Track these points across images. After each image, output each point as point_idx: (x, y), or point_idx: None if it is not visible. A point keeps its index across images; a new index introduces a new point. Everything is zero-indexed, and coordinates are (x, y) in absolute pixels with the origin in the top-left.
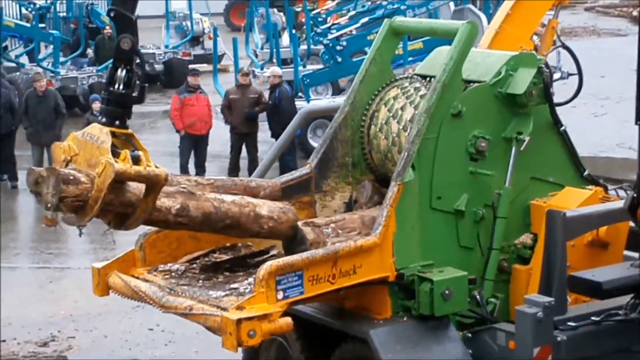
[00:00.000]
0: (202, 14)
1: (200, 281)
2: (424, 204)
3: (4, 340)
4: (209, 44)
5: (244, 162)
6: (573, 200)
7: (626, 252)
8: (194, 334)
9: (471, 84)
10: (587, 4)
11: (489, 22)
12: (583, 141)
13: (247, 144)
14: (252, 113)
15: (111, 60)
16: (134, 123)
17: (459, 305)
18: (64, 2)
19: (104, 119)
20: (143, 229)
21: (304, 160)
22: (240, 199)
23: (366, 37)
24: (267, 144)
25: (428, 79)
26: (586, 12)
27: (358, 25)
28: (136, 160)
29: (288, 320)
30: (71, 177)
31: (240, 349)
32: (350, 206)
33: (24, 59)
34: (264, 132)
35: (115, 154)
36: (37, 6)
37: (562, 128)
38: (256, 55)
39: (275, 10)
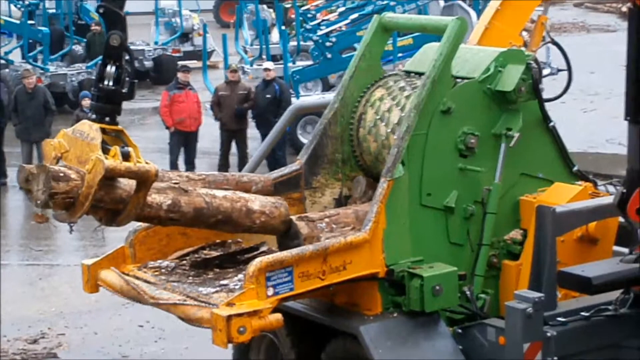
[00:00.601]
0: (191, 11)
1: (190, 278)
2: (413, 200)
3: None
4: (198, 40)
5: (233, 159)
6: (563, 196)
7: (615, 248)
8: (184, 331)
9: (460, 80)
10: (576, 0)
11: (478, 19)
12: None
13: (237, 140)
14: (241, 109)
15: (100, 57)
16: (123, 120)
17: (449, 301)
18: None
19: (93, 116)
20: (133, 225)
21: (293, 157)
22: (232, 194)
23: (356, 34)
24: (256, 140)
25: (412, 76)
26: (575, 8)
27: (348, 21)
28: (126, 157)
29: (278, 316)
30: (61, 174)
31: (230, 346)
32: (340, 202)
33: (13, 56)
34: (253, 128)
35: (106, 150)
36: (27, 3)
37: (552, 124)
38: (246, 52)
39: (264, 6)
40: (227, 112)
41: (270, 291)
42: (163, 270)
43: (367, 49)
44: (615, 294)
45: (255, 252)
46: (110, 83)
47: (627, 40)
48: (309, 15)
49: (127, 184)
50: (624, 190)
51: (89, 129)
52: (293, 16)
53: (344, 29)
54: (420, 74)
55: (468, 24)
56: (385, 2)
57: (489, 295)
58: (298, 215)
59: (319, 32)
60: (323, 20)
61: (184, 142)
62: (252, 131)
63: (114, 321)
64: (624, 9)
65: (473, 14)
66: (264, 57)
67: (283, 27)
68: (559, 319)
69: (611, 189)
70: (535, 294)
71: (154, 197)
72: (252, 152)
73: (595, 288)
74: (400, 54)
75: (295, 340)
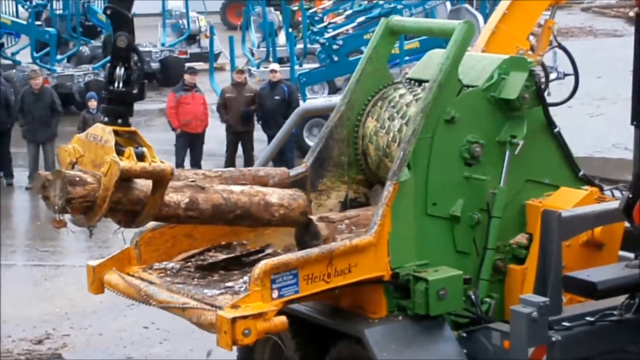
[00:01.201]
0: (198, 13)
1: (196, 279)
2: (419, 207)
3: None
4: (205, 42)
5: (240, 161)
6: (568, 201)
7: (621, 253)
8: (189, 332)
9: (465, 87)
10: (583, 5)
11: (485, 22)
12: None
13: (243, 142)
14: (247, 112)
15: (108, 59)
16: (129, 121)
17: (454, 305)
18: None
19: (106, 119)
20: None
21: (299, 159)
22: (249, 189)
23: (362, 37)
24: (263, 142)
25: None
26: (583, 13)
27: (354, 24)
28: (141, 157)
29: (283, 319)
30: (77, 179)
31: (235, 348)
32: (345, 205)
33: (20, 56)
34: (259, 130)
35: (120, 152)
36: (34, 3)
37: (557, 129)
38: (252, 54)
39: (271, 9)
40: (233, 114)
41: (275, 293)
42: (168, 272)
43: (373, 52)
44: (620, 299)
45: (261, 255)
46: (120, 85)
47: (634, 45)
48: (316, 18)
49: (144, 185)
50: (630, 195)
51: (102, 132)
52: (300, 19)
53: (350, 32)
54: (421, 82)
55: (475, 28)
56: (392, 5)
57: (494, 299)
58: (319, 215)
59: (326, 35)
60: (330, 23)
61: (190, 144)
62: (259, 133)
63: (119, 322)
64: (631, 13)
65: (480, 17)
66: (270, 59)
67: (290, 30)
68: (564, 323)
69: (617, 193)
70: (541, 299)
71: (171, 196)
72: (258, 154)
73: (600, 293)
74: (407, 57)
75: (299, 343)
